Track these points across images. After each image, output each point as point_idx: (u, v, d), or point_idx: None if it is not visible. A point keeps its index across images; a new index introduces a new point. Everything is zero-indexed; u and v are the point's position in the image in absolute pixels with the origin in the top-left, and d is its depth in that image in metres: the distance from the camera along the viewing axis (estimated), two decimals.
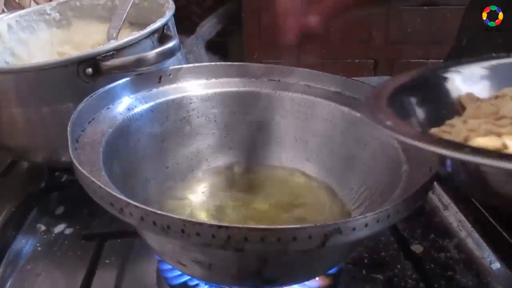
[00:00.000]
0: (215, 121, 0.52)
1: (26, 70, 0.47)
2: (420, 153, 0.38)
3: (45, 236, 0.52)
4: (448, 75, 0.34)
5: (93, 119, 0.42)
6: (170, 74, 0.51)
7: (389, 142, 0.41)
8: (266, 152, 0.52)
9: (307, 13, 0.44)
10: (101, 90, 0.43)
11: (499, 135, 0.26)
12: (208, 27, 1.27)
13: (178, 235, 0.27)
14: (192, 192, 0.49)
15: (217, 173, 0.51)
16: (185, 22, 1.45)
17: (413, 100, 0.32)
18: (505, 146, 0.25)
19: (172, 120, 0.49)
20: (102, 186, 0.29)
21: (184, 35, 1.31)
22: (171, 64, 0.51)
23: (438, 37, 1.19)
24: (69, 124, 0.36)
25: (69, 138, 0.35)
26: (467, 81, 0.34)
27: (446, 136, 0.28)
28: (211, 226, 0.26)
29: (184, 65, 0.52)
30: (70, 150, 0.33)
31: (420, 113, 0.31)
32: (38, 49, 0.64)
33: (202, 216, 0.46)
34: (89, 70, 0.48)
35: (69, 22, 0.67)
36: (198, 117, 0.51)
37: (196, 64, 0.52)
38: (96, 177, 0.34)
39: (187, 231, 0.26)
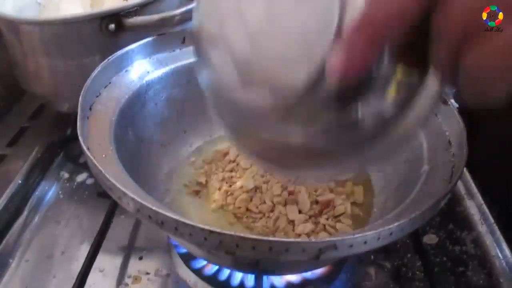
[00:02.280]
0: None
1: (50, 22, 0.47)
2: (442, 157, 0.36)
3: (67, 184, 0.54)
4: None
5: (110, 82, 0.41)
6: None
7: (417, 135, 0.39)
8: None
9: None
10: (119, 52, 0.42)
11: None
12: None
13: (172, 231, 0.27)
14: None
15: None
16: None
17: None
18: None
19: (193, 83, 0.48)
20: (103, 171, 0.29)
21: None
22: None
23: None
24: (81, 93, 0.36)
25: (79, 110, 0.34)
26: None
27: None
28: (203, 230, 0.26)
29: None
30: (78, 126, 0.33)
31: None
32: None
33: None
34: (112, 26, 0.47)
35: None
36: None
37: None
38: (104, 152, 0.34)
39: (180, 230, 0.26)
